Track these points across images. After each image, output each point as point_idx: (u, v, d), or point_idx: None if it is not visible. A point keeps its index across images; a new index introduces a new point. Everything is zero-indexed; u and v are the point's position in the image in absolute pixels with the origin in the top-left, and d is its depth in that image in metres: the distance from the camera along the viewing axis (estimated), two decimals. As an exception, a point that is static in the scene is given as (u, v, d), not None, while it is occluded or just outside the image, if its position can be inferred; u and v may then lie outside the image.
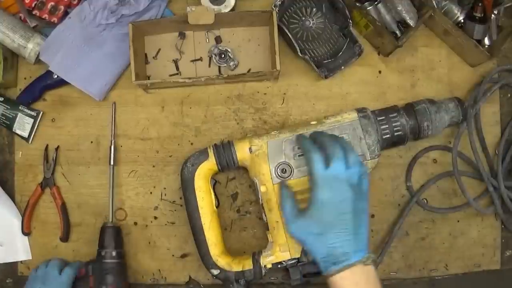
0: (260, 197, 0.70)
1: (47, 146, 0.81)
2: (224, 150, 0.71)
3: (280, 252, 0.68)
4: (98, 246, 0.75)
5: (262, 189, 0.69)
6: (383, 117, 0.72)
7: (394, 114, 0.72)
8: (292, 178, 0.68)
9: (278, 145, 0.69)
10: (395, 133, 0.71)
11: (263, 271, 0.69)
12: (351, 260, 0.58)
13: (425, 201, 0.80)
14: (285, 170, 0.68)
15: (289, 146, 0.69)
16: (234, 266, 0.70)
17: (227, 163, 0.71)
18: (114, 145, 0.79)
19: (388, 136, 0.71)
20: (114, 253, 0.74)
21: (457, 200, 0.81)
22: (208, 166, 0.71)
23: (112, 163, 0.78)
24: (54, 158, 0.80)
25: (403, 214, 0.78)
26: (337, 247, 0.59)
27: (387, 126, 0.71)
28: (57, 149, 0.81)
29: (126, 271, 0.77)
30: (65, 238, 0.80)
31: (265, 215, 0.70)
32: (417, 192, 0.79)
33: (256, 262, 0.69)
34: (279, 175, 0.68)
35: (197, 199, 0.71)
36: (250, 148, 0.70)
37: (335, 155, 0.60)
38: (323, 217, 0.59)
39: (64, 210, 0.80)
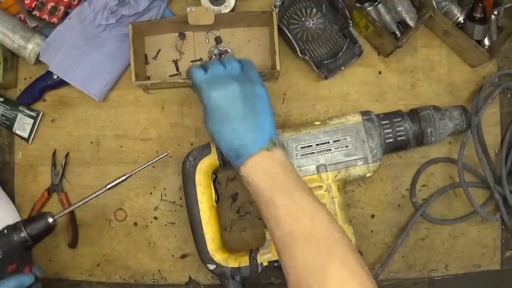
0: None
1: (55, 151, 0.81)
2: None
3: None
4: (25, 220, 0.64)
5: None
6: (387, 121, 0.72)
7: (398, 119, 0.72)
8: None
9: (281, 143, 0.69)
10: (398, 138, 0.71)
11: (259, 269, 0.70)
12: (250, 150, 0.58)
13: (425, 200, 0.80)
14: None
15: (292, 145, 0.69)
16: (231, 262, 0.70)
17: None
18: None
19: (391, 140, 0.71)
20: (29, 242, 0.63)
21: (457, 202, 0.81)
22: (210, 161, 0.71)
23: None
24: (63, 164, 0.80)
25: (407, 228, 0.78)
26: (233, 140, 0.59)
27: (390, 130, 0.71)
28: (67, 156, 0.80)
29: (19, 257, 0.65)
30: (74, 244, 0.79)
31: None
32: (421, 206, 0.79)
33: (252, 259, 0.70)
34: None
35: (197, 194, 0.71)
36: None
37: (211, 63, 0.62)
38: (216, 115, 0.59)
39: (72, 216, 0.80)
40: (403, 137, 0.72)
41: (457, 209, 0.81)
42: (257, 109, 0.60)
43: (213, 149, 0.71)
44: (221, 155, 0.71)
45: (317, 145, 0.69)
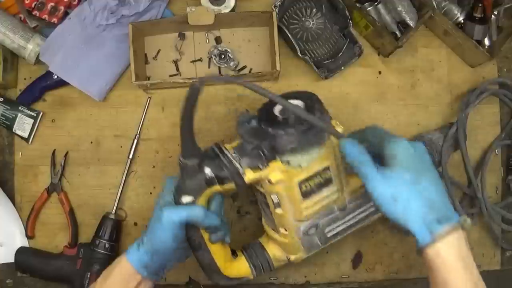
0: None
1: (54, 151, 0.81)
2: None
3: None
4: (95, 234, 0.76)
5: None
6: None
7: None
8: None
9: None
10: None
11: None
12: (453, 217, 0.49)
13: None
14: None
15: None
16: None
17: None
18: (138, 139, 0.79)
19: None
20: (107, 245, 0.75)
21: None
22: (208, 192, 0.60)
23: (131, 156, 0.79)
24: (63, 164, 0.80)
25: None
26: (433, 197, 0.49)
27: None
28: (66, 155, 0.80)
29: None
30: (73, 243, 0.79)
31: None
32: None
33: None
34: None
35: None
36: None
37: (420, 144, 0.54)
38: (412, 164, 0.50)
39: (72, 215, 0.80)
40: None
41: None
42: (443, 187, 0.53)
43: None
44: (242, 184, 0.57)
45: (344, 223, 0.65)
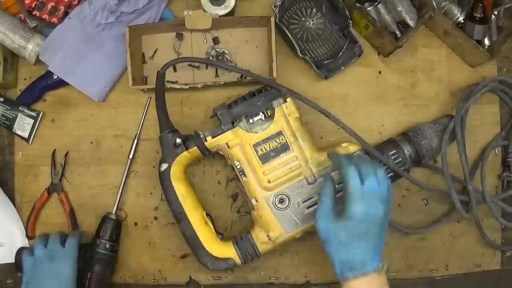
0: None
1: (54, 151, 0.81)
2: None
3: None
4: (95, 234, 0.76)
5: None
6: (384, 155, 0.72)
7: (394, 151, 0.73)
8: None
9: None
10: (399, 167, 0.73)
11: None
12: (367, 268, 0.60)
13: (425, 201, 0.81)
14: None
15: (295, 200, 0.71)
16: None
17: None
18: (138, 139, 0.80)
19: (391, 174, 0.73)
20: (107, 245, 0.75)
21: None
22: (181, 160, 0.72)
23: (131, 156, 0.79)
24: (63, 164, 0.80)
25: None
26: (357, 255, 0.61)
27: (387, 167, 0.72)
28: (66, 155, 0.80)
29: (114, 266, 0.78)
30: None
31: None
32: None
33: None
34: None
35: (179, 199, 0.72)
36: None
37: (368, 171, 0.62)
38: (354, 229, 0.61)
39: (72, 215, 0.80)
40: (402, 167, 0.73)
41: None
42: (384, 233, 0.63)
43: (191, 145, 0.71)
44: (203, 146, 0.70)
45: (318, 194, 0.70)
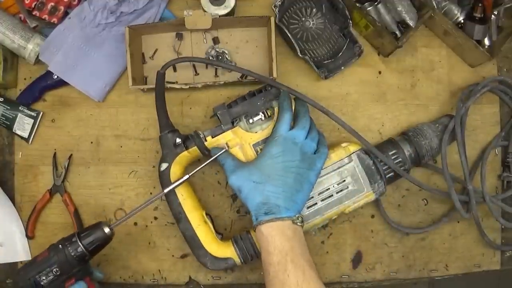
0: None
1: (55, 153, 0.81)
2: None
3: None
4: (78, 230, 0.68)
5: None
6: (384, 155, 0.72)
7: (394, 151, 0.73)
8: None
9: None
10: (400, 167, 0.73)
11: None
12: (281, 213, 0.62)
13: (425, 201, 0.81)
14: None
15: None
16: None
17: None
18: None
19: (391, 174, 0.73)
20: (79, 249, 0.62)
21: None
22: (181, 159, 0.72)
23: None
24: (66, 166, 0.80)
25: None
26: (271, 197, 0.63)
27: (387, 166, 0.73)
28: (70, 157, 0.80)
29: (69, 274, 0.64)
30: None
31: None
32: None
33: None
34: None
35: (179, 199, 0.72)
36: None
37: (301, 124, 0.66)
38: (267, 168, 0.64)
39: (77, 216, 0.80)
40: (402, 167, 0.73)
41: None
42: (302, 188, 0.65)
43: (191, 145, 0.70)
44: (203, 146, 0.70)
45: (318, 194, 0.71)
